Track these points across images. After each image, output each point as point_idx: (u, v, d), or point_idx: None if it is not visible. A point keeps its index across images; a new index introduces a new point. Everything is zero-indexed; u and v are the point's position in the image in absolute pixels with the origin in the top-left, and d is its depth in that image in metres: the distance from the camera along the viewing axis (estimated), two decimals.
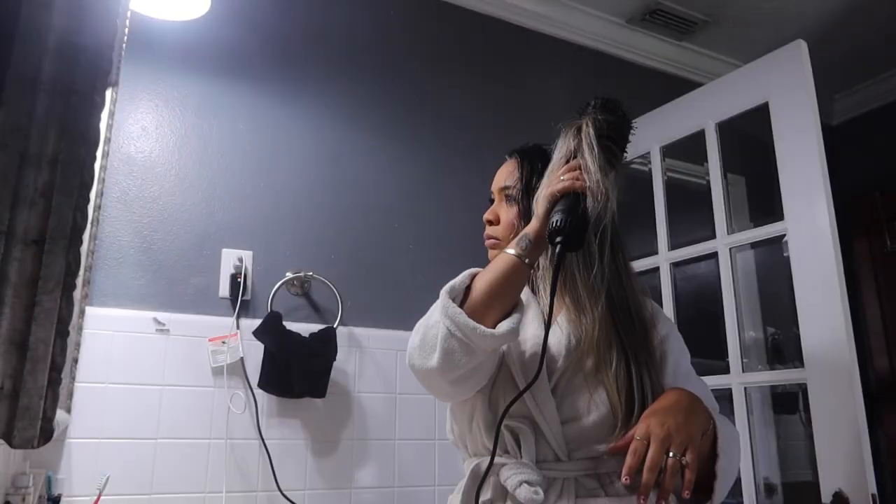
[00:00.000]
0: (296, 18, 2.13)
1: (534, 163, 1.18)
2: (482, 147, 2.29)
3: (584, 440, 1.05)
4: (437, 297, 1.03)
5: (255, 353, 1.81)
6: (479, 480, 1.06)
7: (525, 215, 1.15)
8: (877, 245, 2.97)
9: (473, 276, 1.02)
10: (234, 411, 1.77)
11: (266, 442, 1.78)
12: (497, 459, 1.06)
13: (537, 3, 2.53)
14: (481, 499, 1.06)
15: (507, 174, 1.22)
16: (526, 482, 1.01)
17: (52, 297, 0.52)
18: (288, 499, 1.75)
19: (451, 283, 1.02)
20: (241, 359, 1.80)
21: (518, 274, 0.99)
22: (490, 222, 1.22)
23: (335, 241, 2.03)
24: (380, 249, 2.09)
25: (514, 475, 1.02)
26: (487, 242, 1.22)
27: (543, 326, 1.11)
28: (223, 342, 1.78)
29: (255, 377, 1.80)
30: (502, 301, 0.99)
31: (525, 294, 1.17)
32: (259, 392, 1.80)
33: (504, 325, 0.97)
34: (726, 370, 2.01)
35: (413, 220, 2.16)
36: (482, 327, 0.95)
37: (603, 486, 1.03)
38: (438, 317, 0.99)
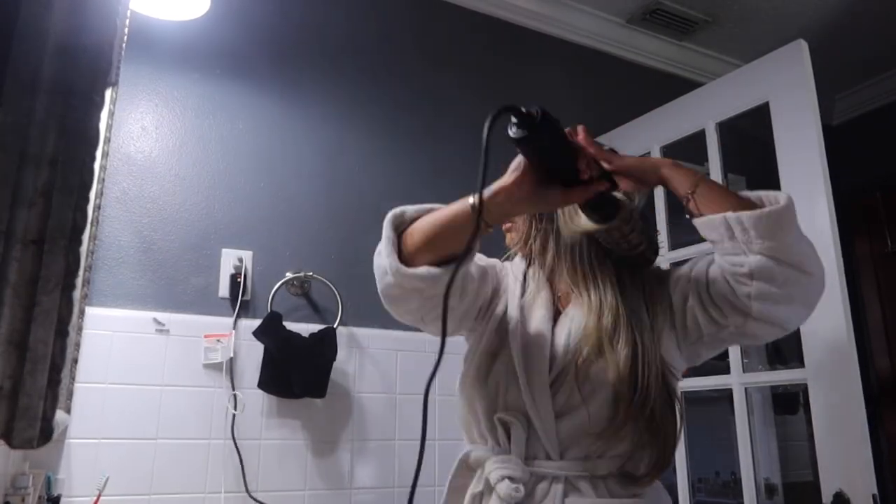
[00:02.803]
0: (295, 18, 2.13)
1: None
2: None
3: (578, 436, 1.03)
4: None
5: (255, 353, 1.81)
6: (463, 470, 1.10)
7: (536, 218, 1.15)
8: (877, 245, 2.97)
9: (428, 212, 1.02)
10: (235, 412, 1.77)
11: (266, 442, 1.78)
12: (485, 452, 1.07)
13: (537, 3, 2.53)
14: (472, 490, 1.08)
15: None
16: (508, 477, 1.01)
17: (51, 298, 0.52)
18: None
19: (404, 208, 1.03)
20: (231, 359, 1.80)
21: (463, 220, 0.95)
22: (508, 230, 1.22)
23: (335, 241, 2.03)
24: None
25: (496, 469, 1.03)
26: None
27: (551, 315, 1.11)
28: (218, 340, 1.78)
29: (253, 377, 1.80)
30: (437, 243, 0.97)
31: (536, 279, 1.16)
32: (256, 392, 1.80)
33: (424, 269, 0.97)
34: (726, 370, 2.00)
35: None
36: (400, 266, 0.97)
37: (594, 487, 1.02)
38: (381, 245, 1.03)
